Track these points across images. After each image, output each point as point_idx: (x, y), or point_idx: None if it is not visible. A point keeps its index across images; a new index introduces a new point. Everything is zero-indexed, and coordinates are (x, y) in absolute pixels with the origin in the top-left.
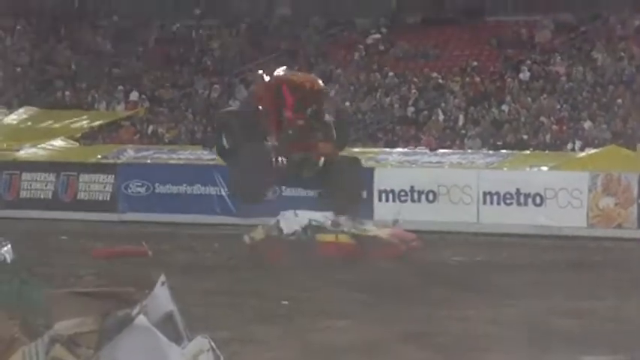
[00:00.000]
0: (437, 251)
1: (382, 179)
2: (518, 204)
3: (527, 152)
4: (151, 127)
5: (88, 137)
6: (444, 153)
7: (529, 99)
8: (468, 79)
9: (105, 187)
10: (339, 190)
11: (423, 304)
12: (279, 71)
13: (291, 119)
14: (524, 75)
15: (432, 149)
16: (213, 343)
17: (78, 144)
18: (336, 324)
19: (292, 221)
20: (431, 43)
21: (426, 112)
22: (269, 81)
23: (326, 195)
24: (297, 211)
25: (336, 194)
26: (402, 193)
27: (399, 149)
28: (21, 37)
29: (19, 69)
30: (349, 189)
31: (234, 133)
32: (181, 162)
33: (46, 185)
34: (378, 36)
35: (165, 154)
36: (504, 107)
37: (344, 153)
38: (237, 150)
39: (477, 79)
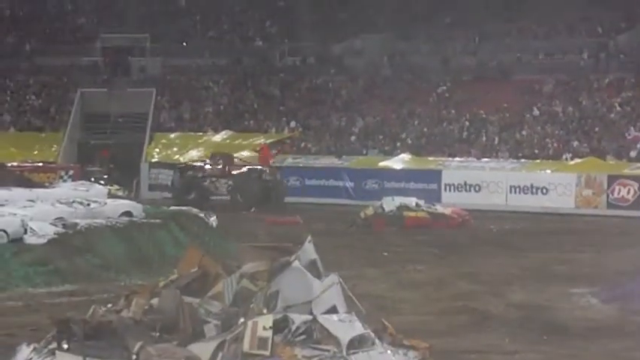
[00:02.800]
0: (481, 223)
1: (446, 177)
2: (532, 193)
3: (538, 161)
4: (303, 144)
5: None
6: (485, 161)
7: (539, 127)
8: (500, 114)
9: None
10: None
11: (472, 256)
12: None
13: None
14: (536, 112)
15: (478, 158)
16: (340, 279)
17: (257, 154)
18: (417, 267)
19: (390, 203)
20: (477, 92)
21: (474, 135)
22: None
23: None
24: (394, 197)
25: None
26: (459, 186)
27: (457, 158)
28: (223, 87)
29: (221, 107)
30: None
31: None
32: (322, 165)
33: None
34: (444, 87)
35: (312, 161)
36: (524, 132)
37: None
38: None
39: (507, 114)
